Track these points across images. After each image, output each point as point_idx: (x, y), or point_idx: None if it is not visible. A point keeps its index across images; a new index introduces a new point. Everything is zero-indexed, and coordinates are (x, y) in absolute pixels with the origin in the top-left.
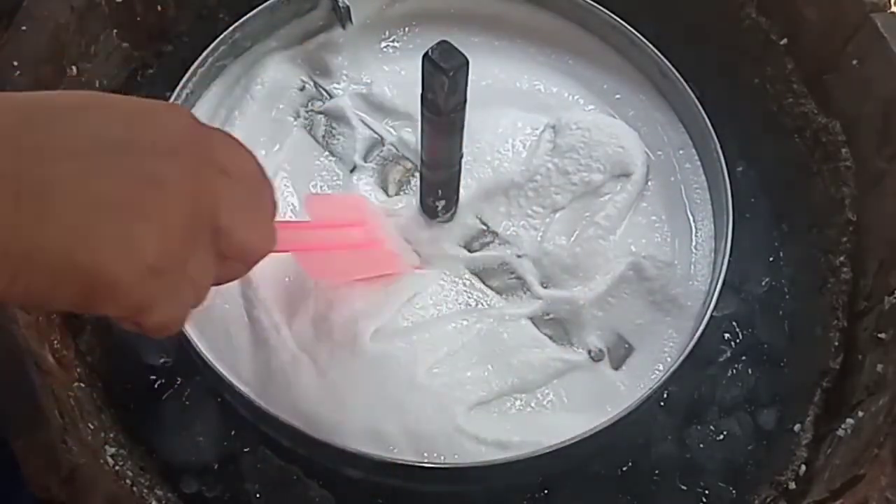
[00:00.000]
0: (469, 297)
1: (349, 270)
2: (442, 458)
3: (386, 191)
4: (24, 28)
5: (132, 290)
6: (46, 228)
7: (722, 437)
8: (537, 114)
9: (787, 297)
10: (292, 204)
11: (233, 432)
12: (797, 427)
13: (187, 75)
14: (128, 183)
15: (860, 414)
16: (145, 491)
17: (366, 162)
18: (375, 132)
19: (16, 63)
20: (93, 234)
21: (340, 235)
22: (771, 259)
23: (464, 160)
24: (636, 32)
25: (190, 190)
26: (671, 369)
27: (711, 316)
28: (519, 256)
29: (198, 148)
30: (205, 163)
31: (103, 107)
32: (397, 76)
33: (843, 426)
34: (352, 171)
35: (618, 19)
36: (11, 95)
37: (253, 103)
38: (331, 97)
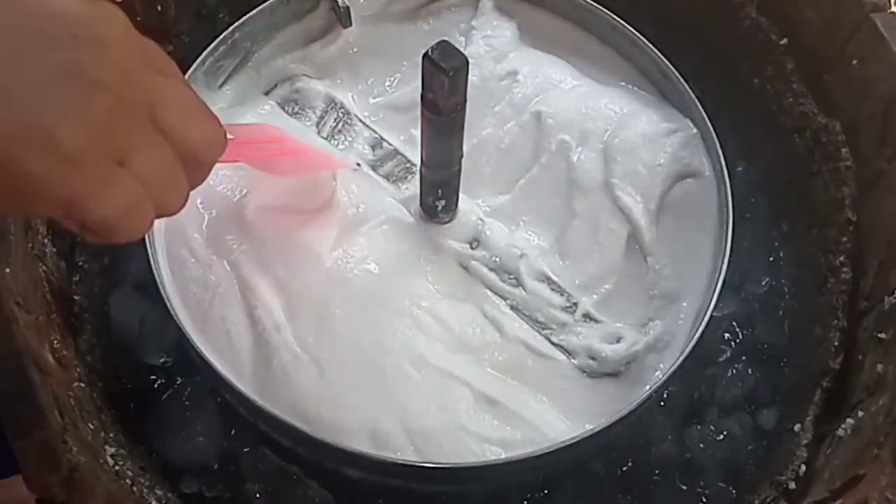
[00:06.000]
0: (470, 297)
1: (296, 170)
2: (443, 457)
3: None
4: None
5: (52, 181)
6: None
7: (722, 437)
8: None
9: (787, 297)
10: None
11: (233, 432)
12: (797, 427)
13: (187, 75)
14: (40, 72)
15: (860, 414)
16: (145, 491)
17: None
18: (375, 132)
19: None
20: (5, 124)
21: (278, 146)
22: (771, 259)
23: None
24: (636, 32)
25: (114, 80)
26: (671, 369)
27: (711, 316)
28: (520, 256)
29: (130, 45)
30: (138, 60)
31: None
32: (397, 76)
33: (843, 426)
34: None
35: (618, 19)
36: None
37: (253, 103)
38: (332, 98)
